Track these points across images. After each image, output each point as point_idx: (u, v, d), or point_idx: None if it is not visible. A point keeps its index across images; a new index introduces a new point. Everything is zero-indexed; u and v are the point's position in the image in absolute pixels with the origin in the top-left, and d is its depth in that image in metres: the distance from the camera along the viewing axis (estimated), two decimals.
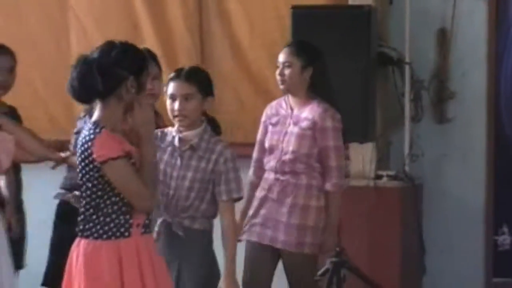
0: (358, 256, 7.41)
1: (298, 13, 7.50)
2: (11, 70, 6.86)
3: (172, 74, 5.87)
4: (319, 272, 7.28)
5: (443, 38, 8.07)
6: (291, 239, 6.49)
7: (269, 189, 6.63)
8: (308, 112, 6.38)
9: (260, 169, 6.72)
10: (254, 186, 6.74)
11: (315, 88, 6.57)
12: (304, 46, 6.54)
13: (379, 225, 7.85)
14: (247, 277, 6.82)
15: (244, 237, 6.74)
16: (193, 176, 5.78)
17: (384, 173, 7.88)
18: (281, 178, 6.58)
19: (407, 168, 7.91)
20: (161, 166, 5.80)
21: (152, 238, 5.13)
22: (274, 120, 6.63)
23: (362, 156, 7.99)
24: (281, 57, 6.60)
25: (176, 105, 5.69)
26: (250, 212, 6.71)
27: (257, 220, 6.67)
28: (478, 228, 8.08)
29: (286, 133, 6.56)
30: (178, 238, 5.85)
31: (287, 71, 6.52)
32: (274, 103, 6.76)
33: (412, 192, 7.92)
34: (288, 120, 6.58)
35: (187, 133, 5.73)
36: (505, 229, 8.09)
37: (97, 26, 8.90)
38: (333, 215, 6.33)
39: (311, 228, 6.48)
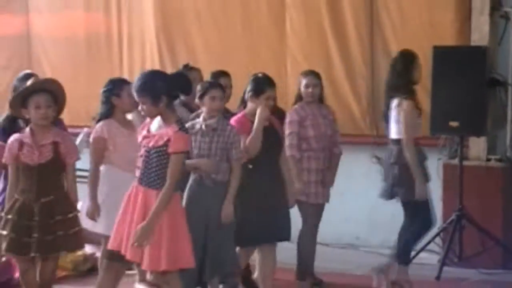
0: (472, 212, 8.82)
1: (438, 51, 8.78)
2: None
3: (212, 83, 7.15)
4: (447, 222, 8.80)
5: None
6: None
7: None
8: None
9: None
10: None
11: None
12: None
13: (490, 189, 9.06)
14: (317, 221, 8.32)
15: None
16: (217, 146, 6.84)
17: (492, 157, 9.20)
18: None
19: (508, 154, 9.21)
20: (196, 143, 6.81)
21: (179, 196, 6.21)
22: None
23: (478, 145, 9.27)
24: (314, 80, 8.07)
25: (216, 104, 6.87)
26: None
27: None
28: None
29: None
30: (207, 189, 6.83)
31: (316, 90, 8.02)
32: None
33: (510, 170, 9.17)
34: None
35: (210, 121, 6.86)
36: None
37: (304, 58, 10.07)
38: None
39: None
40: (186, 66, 8.49)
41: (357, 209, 10.04)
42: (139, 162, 6.10)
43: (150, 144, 5.96)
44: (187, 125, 6.63)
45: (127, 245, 5.99)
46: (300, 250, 8.23)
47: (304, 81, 8.12)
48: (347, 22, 9.89)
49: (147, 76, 6.06)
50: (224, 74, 8.16)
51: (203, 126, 6.84)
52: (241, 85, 8.01)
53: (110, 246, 6.20)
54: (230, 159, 6.83)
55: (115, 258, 6.35)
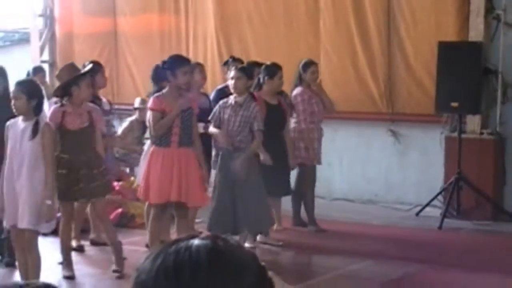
0: (468, 175, 8.78)
1: (442, 46, 8.80)
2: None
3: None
4: (447, 183, 8.71)
5: None
6: None
7: None
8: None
9: None
10: None
11: None
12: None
13: (483, 157, 9.06)
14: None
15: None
16: (241, 119, 6.93)
17: (485, 131, 9.16)
18: None
19: (498, 129, 9.17)
20: (225, 117, 6.91)
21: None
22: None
23: (474, 122, 9.19)
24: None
25: (236, 84, 6.92)
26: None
27: None
28: None
29: None
30: (232, 154, 6.88)
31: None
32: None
33: (500, 142, 9.20)
34: None
35: (238, 98, 6.99)
36: None
37: (334, 50, 10.02)
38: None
39: None
40: (232, 57, 8.55)
41: (376, 172, 10.05)
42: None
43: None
44: (222, 101, 6.97)
45: (180, 194, 6.26)
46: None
47: (311, 69, 8.17)
48: (369, 23, 9.85)
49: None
50: (257, 64, 8.08)
51: (233, 102, 6.95)
52: (283, 73, 8.08)
53: (158, 200, 6.36)
54: (252, 129, 6.91)
55: (160, 209, 6.53)
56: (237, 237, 6.77)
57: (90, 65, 6.94)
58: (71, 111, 6.26)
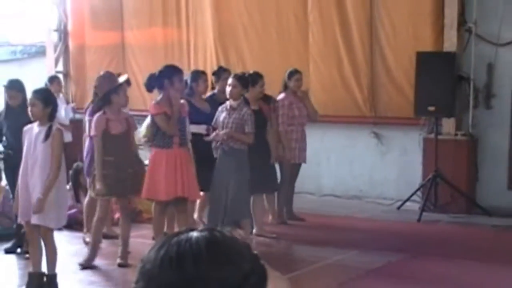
0: (444, 172, 8.77)
1: (420, 55, 8.78)
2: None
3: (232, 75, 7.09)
4: (425, 180, 8.61)
5: (490, 68, 9.10)
6: None
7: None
8: None
9: None
10: None
11: None
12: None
13: (457, 156, 8.99)
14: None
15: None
16: (233, 121, 6.91)
17: (459, 132, 9.12)
18: None
19: (470, 131, 9.13)
20: (220, 119, 6.91)
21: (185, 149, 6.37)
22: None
23: (449, 124, 9.16)
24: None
25: (229, 91, 6.92)
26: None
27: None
28: (503, 162, 9.01)
29: None
30: (226, 154, 6.93)
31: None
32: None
33: (472, 142, 9.16)
34: None
35: (233, 103, 7.00)
36: None
37: (322, 61, 9.98)
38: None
39: None
40: (221, 67, 8.54)
41: (361, 170, 10.04)
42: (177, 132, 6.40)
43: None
44: (222, 106, 6.95)
45: (184, 189, 6.29)
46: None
47: (295, 77, 8.14)
48: (353, 35, 9.81)
49: None
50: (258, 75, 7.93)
51: (228, 106, 6.97)
52: (276, 80, 8.16)
53: (166, 198, 6.35)
54: (244, 131, 6.92)
55: (163, 205, 6.55)
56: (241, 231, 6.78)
57: (126, 76, 7.05)
58: (113, 118, 6.35)
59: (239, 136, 6.85)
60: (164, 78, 6.40)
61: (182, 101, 6.72)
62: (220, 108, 7.05)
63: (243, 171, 6.96)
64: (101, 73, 6.74)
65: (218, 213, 6.82)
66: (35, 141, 5.52)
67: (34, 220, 5.54)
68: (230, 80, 7.01)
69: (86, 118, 7.11)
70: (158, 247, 1.46)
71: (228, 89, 7.00)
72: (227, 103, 7.02)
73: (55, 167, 5.48)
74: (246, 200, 7.08)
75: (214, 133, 7.06)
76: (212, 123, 7.09)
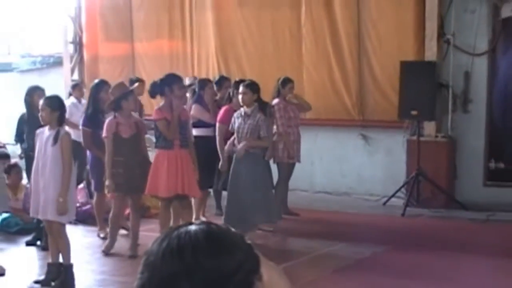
0: (426, 171, 8.69)
1: (403, 64, 8.76)
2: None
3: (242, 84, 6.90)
4: (409, 178, 8.56)
5: (467, 76, 9.10)
6: None
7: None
8: None
9: None
10: None
11: None
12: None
13: (438, 156, 8.93)
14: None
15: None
16: (248, 127, 6.79)
17: (439, 134, 9.11)
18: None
19: (449, 133, 9.14)
20: (235, 126, 6.78)
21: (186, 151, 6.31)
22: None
23: (430, 127, 9.13)
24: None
25: (241, 99, 6.78)
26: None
27: None
28: (479, 161, 9.09)
29: None
30: (244, 156, 6.80)
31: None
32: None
33: (451, 143, 9.14)
34: None
35: (247, 109, 6.86)
36: (493, 161, 9.12)
37: (314, 69, 9.90)
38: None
39: None
40: (222, 76, 8.47)
41: (350, 169, 9.99)
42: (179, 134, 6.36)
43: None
44: (237, 112, 6.79)
45: (184, 187, 6.24)
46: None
47: (289, 85, 8.03)
48: (343, 45, 9.74)
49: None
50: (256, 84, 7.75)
51: (243, 113, 6.87)
52: (273, 87, 8.06)
53: (167, 194, 6.31)
54: (259, 136, 6.82)
55: (168, 201, 6.52)
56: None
57: (137, 84, 7.04)
58: (123, 122, 6.32)
59: (256, 143, 6.76)
60: (165, 85, 6.36)
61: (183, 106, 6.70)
62: (235, 115, 6.92)
63: (260, 170, 6.89)
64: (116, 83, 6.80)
65: (236, 214, 6.68)
66: (45, 144, 5.50)
67: (48, 215, 5.53)
68: (240, 88, 6.86)
69: (80, 127, 7.08)
70: (161, 240, 1.46)
71: (240, 97, 6.88)
72: (242, 110, 6.88)
73: (67, 169, 5.43)
74: (272, 198, 7.00)
75: (227, 144, 6.95)
76: (229, 128, 6.99)
